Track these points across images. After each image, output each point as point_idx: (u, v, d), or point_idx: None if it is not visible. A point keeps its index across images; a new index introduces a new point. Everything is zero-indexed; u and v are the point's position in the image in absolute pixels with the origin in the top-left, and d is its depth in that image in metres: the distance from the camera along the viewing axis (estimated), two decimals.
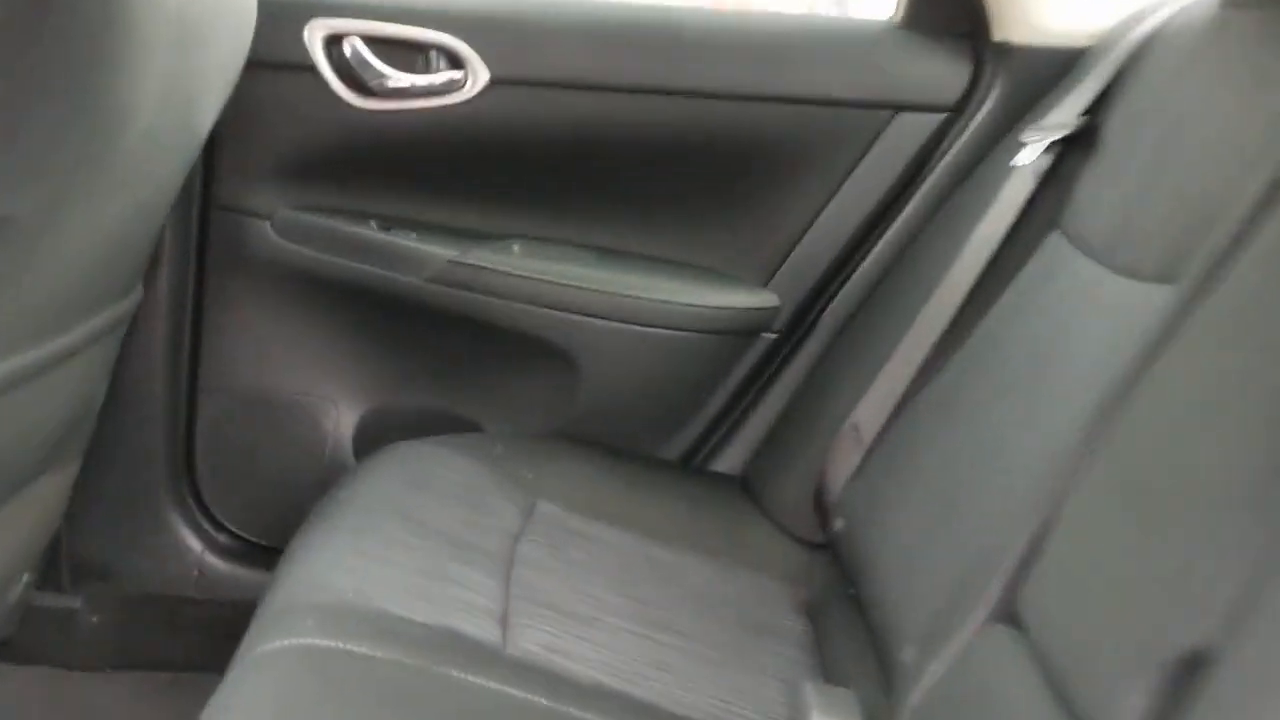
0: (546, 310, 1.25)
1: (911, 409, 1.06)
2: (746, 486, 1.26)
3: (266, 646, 0.79)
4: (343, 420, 1.35)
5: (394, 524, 0.99)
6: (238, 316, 1.32)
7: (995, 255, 1.10)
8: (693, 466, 1.31)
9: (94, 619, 1.37)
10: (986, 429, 0.93)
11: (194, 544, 1.36)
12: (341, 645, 0.80)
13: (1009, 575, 0.76)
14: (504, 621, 0.92)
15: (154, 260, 1.23)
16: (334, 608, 0.85)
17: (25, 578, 1.31)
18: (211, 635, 1.21)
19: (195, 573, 1.37)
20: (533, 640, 0.91)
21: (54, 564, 1.34)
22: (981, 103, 1.20)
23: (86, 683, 1.36)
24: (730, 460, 1.30)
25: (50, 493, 1.23)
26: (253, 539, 1.38)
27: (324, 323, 1.33)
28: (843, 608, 1.07)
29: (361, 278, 1.27)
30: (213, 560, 1.37)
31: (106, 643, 1.39)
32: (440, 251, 1.25)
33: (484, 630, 0.89)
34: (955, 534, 0.88)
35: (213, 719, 0.73)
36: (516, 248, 1.27)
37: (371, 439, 1.34)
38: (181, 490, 1.35)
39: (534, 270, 1.25)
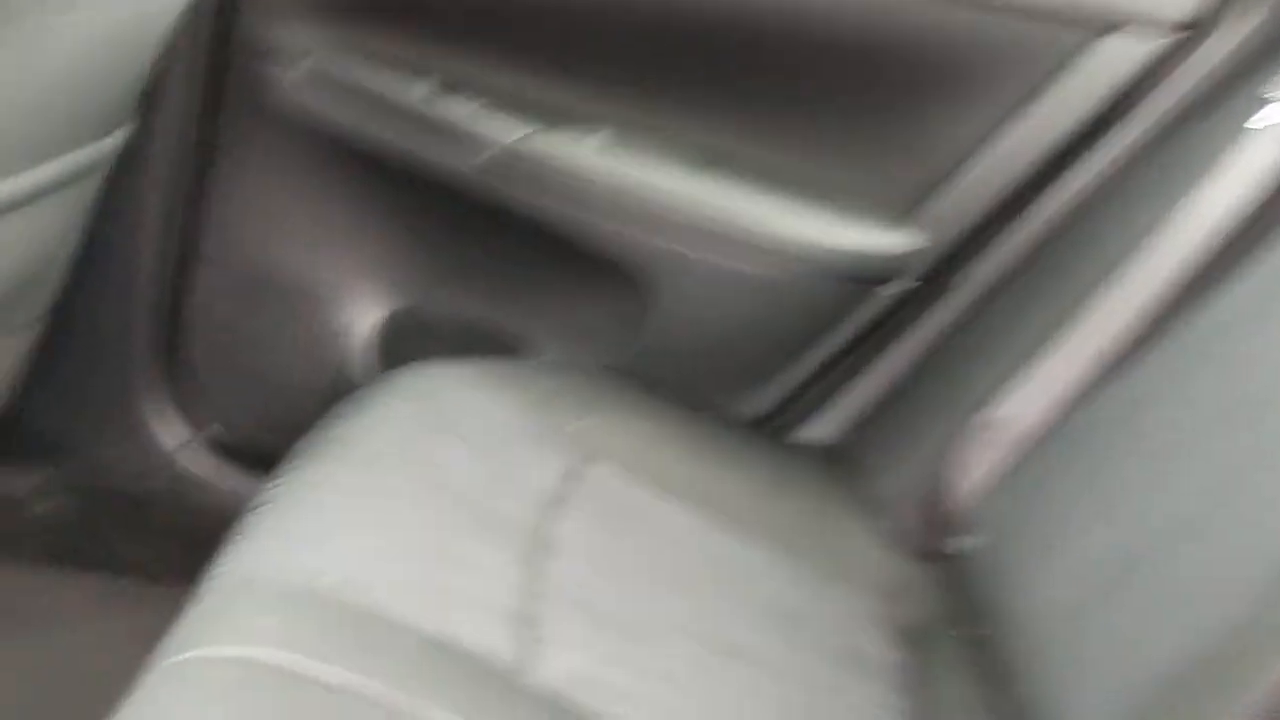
0: (622, 225, 1.00)
1: (1093, 414, 0.81)
2: (841, 467, 1.02)
3: (200, 651, 0.57)
4: (362, 320, 1.11)
5: (400, 477, 0.76)
6: (250, 177, 1.09)
7: (1221, 230, 0.84)
8: (776, 431, 1.07)
9: (46, 508, 1.17)
10: (1220, 470, 0.68)
11: (169, 438, 1.15)
12: (304, 663, 0.57)
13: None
14: (526, 630, 0.69)
15: (155, 98, 0.99)
16: (304, 601, 0.62)
17: None
18: (184, 544, 1.00)
19: (169, 470, 1.15)
20: (563, 664, 0.68)
21: (3, 444, 1.13)
22: (1226, 26, 0.92)
23: (34, 579, 1.16)
24: (823, 430, 1.06)
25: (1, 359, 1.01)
26: (240, 442, 1.16)
27: (352, 200, 1.09)
28: (954, 647, 0.84)
29: (400, 154, 1.03)
30: (190, 459, 1.15)
31: (60, 537, 1.18)
32: (498, 135, 1.00)
33: (498, 644, 0.67)
34: (1169, 611, 0.63)
35: None
36: (597, 139, 1.01)
37: (394, 347, 1.11)
38: (161, 374, 1.13)
39: (613, 172, 0.99)
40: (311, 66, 1.02)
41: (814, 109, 0.98)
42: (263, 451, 1.13)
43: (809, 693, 0.78)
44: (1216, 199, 0.84)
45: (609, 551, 0.80)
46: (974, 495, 0.87)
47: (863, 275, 1.00)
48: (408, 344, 1.10)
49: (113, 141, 0.93)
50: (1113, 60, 0.93)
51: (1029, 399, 0.87)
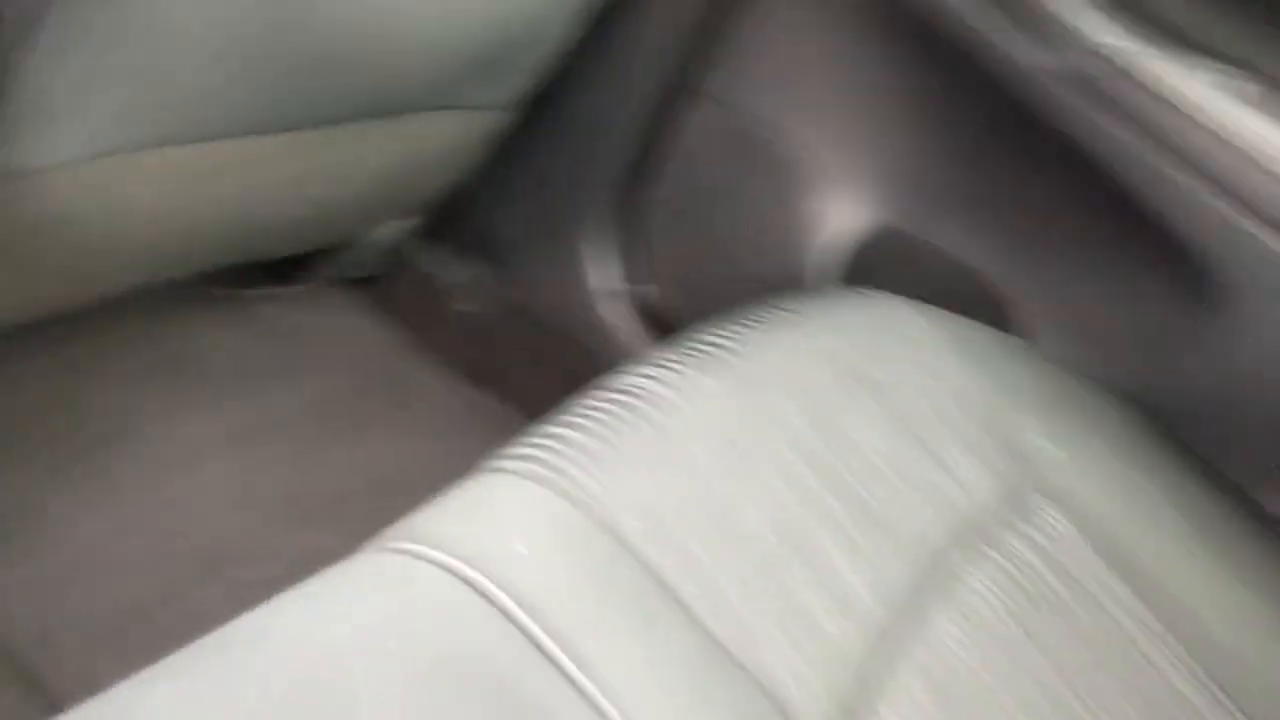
0: (1217, 191, 0.72)
1: None
2: None
3: (422, 547, 0.42)
4: (842, 219, 0.92)
5: (788, 422, 0.56)
6: (775, 24, 0.91)
7: None
8: None
9: (462, 308, 1.10)
10: None
11: (599, 279, 1.03)
12: (529, 625, 0.41)
13: None
14: (860, 692, 0.49)
15: None
16: (579, 534, 0.45)
17: (406, 222, 1.05)
18: (574, 391, 0.89)
19: (589, 313, 1.04)
20: None
21: (443, 228, 1.07)
22: None
23: (420, 368, 1.10)
24: None
25: (460, 132, 0.93)
26: (668, 307, 1.02)
27: (883, 79, 0.89)
28: None
29: (961, 31, 0.80)
30: (613, 309, 1.03)
31: (463, 339, 1.11)
32: (1098, 37, 0.75)
33: (813, 701, 0.47)
34: None
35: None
36: (1220, 74, 0.73)
37: (863, 263, 0.91)
38: (614, 211, 1.01)
39: (1229, 117, 0.71)
40: None
41: None
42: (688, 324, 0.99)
43: None
44: None
45: (1019, 632, 0.56)
46: None
47: None
48: (879, 266, 0.90)
49: None
50: None
51: None
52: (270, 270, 1.06)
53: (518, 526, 0.46)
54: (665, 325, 1.00)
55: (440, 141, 0.92)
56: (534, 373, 1.07)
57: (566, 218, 1.02)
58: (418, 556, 0.42)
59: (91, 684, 0.81)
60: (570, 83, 0.94)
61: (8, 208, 0.68)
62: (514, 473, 0.48)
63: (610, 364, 1.02)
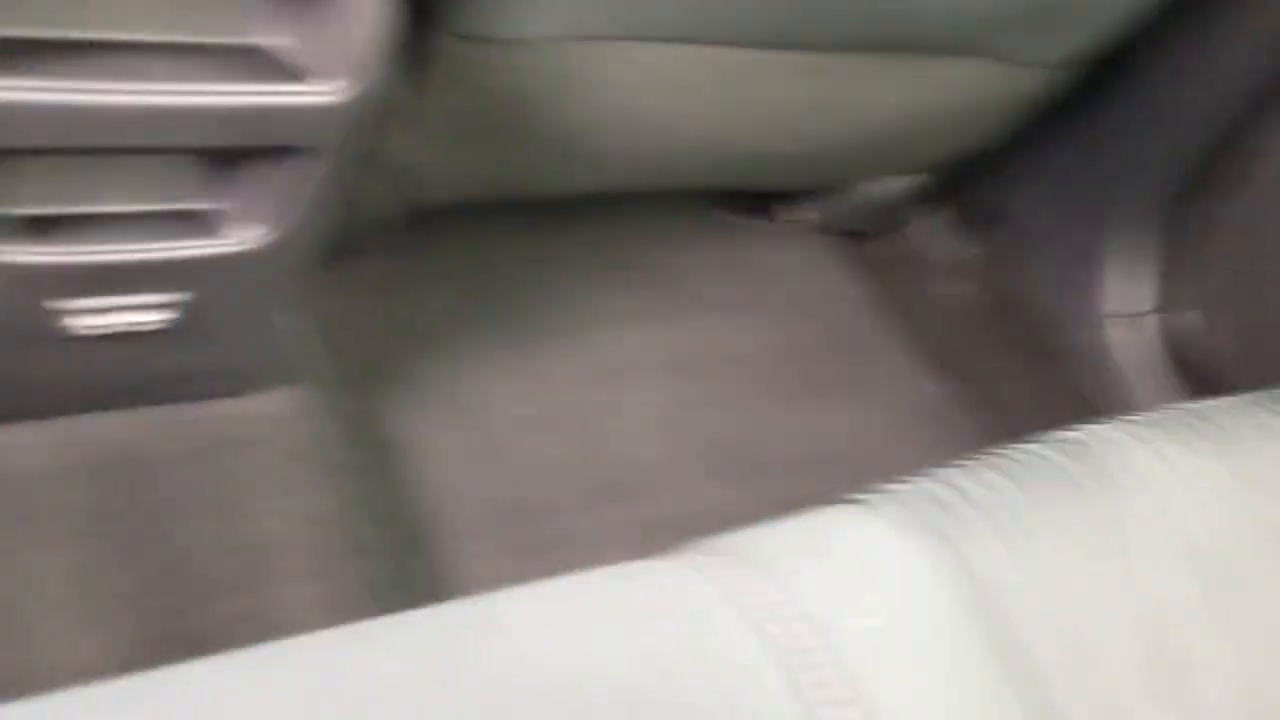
0: None
1: None
2: None
3: (686, 573, 0.32)
4: None
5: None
6: None
7: None
8: None
9: (946, 288, 0.97)
10: None
11: (1122, 301, 0.86)
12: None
13: None
14: None
15: None
16: (1020, 632, 0.33)
17: (907, 180, 0.93)
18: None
19: (1099, 336, 0.88)
20: None
21: (947, 195, 0.94)
22: None
23: (891, 342, 0.98)
24: None
25: (990, 88, 0.80)
26: (1211, 360, 0.83)
27: None
28: None
29: None
30: (1136, 342, 0.86)
31: (944, 325, 0.98)
32: None
33: None
34: None
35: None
36: None
37: None
38: (1166, 224, 0.83)
39: None
40: None
41: None
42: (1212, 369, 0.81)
43: None
44: None
45: None
46: None
47: None
48: None
49: None
50: None
51: None
52: (754, 201, 0.99)
53: (877, 585, 0.34)
54: (1195, 369, 0.82)
55: (964, 94, 0.79)
56: (1014, 381, 0.92)
57: (1098, 215, 0.86)
58: (723, 586, 0.32)
59: (456, 569, 0.80)
60: (1143, 50, 0.77)
61: (486, 73, 0.65)
62: (890, 515, 0.36)
63: (1108, 396, 0.86)
